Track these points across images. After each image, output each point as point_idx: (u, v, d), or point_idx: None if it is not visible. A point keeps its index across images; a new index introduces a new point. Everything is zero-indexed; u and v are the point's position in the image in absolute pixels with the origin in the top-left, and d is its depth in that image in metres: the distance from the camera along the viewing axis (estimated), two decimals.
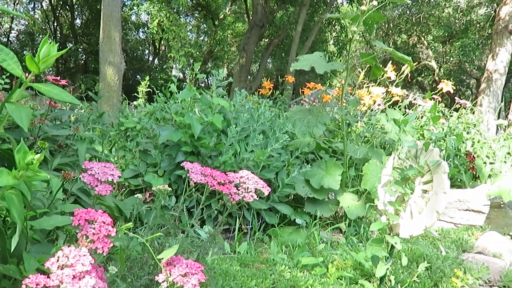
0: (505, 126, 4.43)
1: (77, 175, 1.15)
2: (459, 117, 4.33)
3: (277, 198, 2.46)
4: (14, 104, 0.79)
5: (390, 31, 17.90)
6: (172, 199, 2.26)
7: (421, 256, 2.00)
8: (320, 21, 14.14)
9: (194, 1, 16.69)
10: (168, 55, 14.47)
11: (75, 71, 19.84)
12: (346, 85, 2.70)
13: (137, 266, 1.26)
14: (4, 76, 2.52)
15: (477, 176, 3.63)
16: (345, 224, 2.53)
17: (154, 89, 3.63)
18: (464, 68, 17.00)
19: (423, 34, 17.23)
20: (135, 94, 4.83)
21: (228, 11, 18.43)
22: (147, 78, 5.04)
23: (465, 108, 4.37)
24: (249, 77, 15.18)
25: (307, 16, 13.91)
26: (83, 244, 0.71)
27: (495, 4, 12.20)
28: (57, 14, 19.74)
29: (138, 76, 20.48)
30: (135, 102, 4.83)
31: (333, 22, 16.12)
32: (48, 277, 0.59)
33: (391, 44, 17.42)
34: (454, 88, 3.90)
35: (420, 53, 17.23)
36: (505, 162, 3.78)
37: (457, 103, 4.39)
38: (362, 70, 3.70)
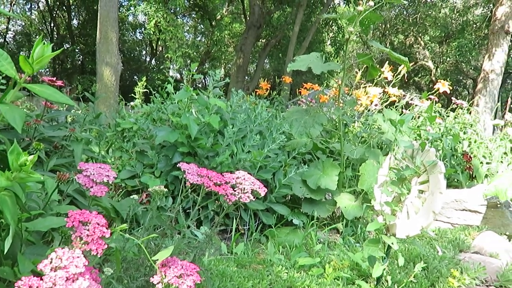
0: (502, 126, 4.44)
1: (72, 176, 1.14)
2: (455, 117, 4.34)
3: (274, 198, 2.46)
4: (7, 105, 0.78)
5: (387, 32, 17.94)
6: (169, 200, 2.25)
7: (418, 256, 2.00)
8: (317, 22, 14.17)
9: (191, 2, 16.68)
10: (165, 56, 14.45)
11: (72, 71, 19.79)
12: (343, 86, 2.70)
13: (133, 267, 1.25)
14: (0, 77, 2.51)
15: (473, 176, 3.64)
16: (342, 224, 2.53)
17: (151, 89, 3.62)
18: (461, 68, 17.06)
19: (420, 35, 17.28)
20: (132, 94, 4.82)
21: (225, 12, 18.43)
22: (144, 78, 5.03)
23: (461, 108, 4.38)
24: (246, 77, 15.18)
25: (304, 17, 13.93)
26: (77, 245, 0.70)
27: (491, 5, 12.26)
28: (54, 15, 19.69)
29: (135, 77, 20.47)
30: (132, 103, 4.81)
31: (330, 23, 16.15)
32: (41, 279, 0.59)
33: (388, 44, 17.46)
34: (451, 88, 3.91)
35: (417, 53, 17.28)
36: (501, 162, 3.79)
37: (453, 103, 4.40)
38: (359, 70, 3.70)
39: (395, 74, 3.64)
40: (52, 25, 20.07)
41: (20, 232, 0.99)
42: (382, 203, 1.52)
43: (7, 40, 20.24)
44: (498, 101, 8.83)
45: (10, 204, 0.72)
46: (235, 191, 1.20)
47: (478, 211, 2.79)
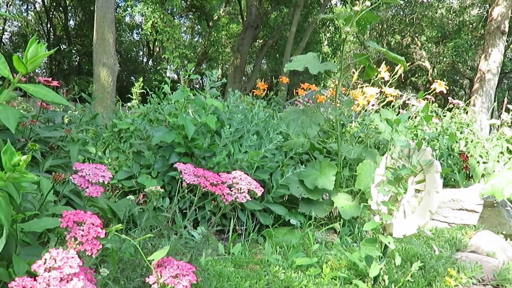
0: (498, 126, 4.46)
1: (68, 177, 1.13)
2: (452, 117, 4.35)
3: (272, 199, 2.46)
4: (1, 105, 0.78)
5: (384, 32, 17.99)
6: (166, 201, 2.25)
7: (415, 255, 2.00)
8: (314, 22, 14.19)
9: (188, 2, 16.67)
10: (162, 57, 14.44)
11: (69, 72, 19.74)
12: (340, 86, 2.70)
13: (130, 268, 1.24)
14: None
15: (470, 175, 3.65)
16: (339, 224, 2.53)
17: (148, 90, 3.62)
18: (457, 69, 17.12)
19: (417, 35, 17.33)
20: (129, 95, 4.81)
21: (222, 12, 18.43)
22: (141, 79, 5.03)
23: (458, 108, 4.39)
24: (243, 78, 15.18)
25: (301, 17, 13.95)
26: (71, 246, 0.70)
27: (487, 5, 12.30)
28: (51, 16, 19.64)
29: (132, 78, 20.44)
30: (129, 104, 4.81)
31: (327, 23, 16.18)
32: (35, 279, 0.58)
33: (385, 44, 17.50)
34: (448, 88, 3.92)
35: (414, 53, 17.33)
36: (498, 161, 3.80)
37: (450, 103, 4.41)
38: (356, 70, 3.71)
39: (392, 74, 3.64)
40: (48, 26, 20.02)
41: (15, 233, 0.98)
42: (379, 203, 1.52)
43: (3, 41, 20.18)
44: (494, 101, 8.85)
45: (4, 205, 0.71)
46: (231, 191, 1.20)
47: (475, 210, 2.79)
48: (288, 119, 2.69)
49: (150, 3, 11.93)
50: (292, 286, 1.63)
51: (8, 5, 18.75)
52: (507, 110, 4.34)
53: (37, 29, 20.67)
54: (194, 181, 1.16)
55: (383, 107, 3.85)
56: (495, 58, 9.29)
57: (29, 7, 20.74)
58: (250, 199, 1.19)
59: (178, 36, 12.54)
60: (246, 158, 2.36)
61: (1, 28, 20.00)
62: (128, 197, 1.38)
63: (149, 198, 1.24)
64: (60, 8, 19.51)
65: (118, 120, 3.16)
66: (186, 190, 1.24)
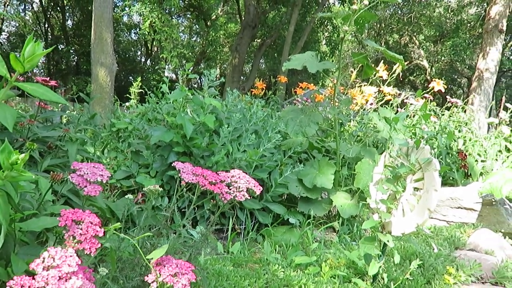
0: (496, 124, 4.47)
1: (66, 176, 1.13)
2: (450, 116, 4.36)
3: (270, 197, 2.46)
4: None
5: (382, 31, 18.00)
6: (164, 200, 2.24)
7: (413, 253, 2.00)
8: (312, 21, 14.19)
9: (186, 2, 16.66)
10: (160, 56, 14.43)
11: (67, 72, 19.70)
12: (338, 85, 2.70)
13: (129, 267, 1.24)
14: None
15: (469, 174, 3.66)
16: (338, 223, 2.54)
17: (146, 90, 3.61)
18: (456, 67, 17.14)
19: (415, 34, 17.35)
20: (128, 95, 4.81)
21: (220, 12, 18.42)
22: (139, 79, 5.02)
23: (456, 107, 4.40)
24: (242, 77, 15.18)
25: (299, 16, 13.95)
26: (70, 245, 0.70)
27: (485, 4, 12.32)
28: (48, 16, 19.60)
29: (130, 77, 20.41)
30: (127, 103, 4.80)
31: (325, 22, 16.19)
32: (33, 278, 0.58)
33: (383, 43, 17.52)
34: (446, 87, 3.93)
35: (412, 52, 17.35)
36: (496, 160, 3.81)
37: (448, 102, 4.42)
38: (354, 69, 3.71)
39: (390, 73, 3.65)
40: (46, 25, 19.98)
41: (13, 232, 0.98)
42: (377, 201, 1.52)
43: (1, 41, 20.15)
44: (492, 100, 8.88)
45: (2, 204, 0.71)
46: (230, 189, 1.19)
47: (473, 208, 2.80)
48: (287, 118, 2.69)
49: (148, 3, 11.92)
50: (291, 285, 1.63)
51: (6, 5, 18.71)
52: (505, 109, 4.35)
53: (34, 29, 20.63)
54: (192, 180, 1.16)
55: (381, 106, 3.85)
56: (493, 56, 9.30)
57: (27, 7, 20.69)
58: (249, 198, 1.19)
59: (176, 35, 12.53)
60: (244, 157, 2.36)
61: None
62: (126, 197, 1.38)
63: (148, 197, 1.24)
64: (58, 8, 19.47)
65: (117, 120, 3.15)
66: (184, 189, 1.24)
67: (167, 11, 14.01)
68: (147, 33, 12.67)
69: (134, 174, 2.39)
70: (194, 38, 22.43)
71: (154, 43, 19.28)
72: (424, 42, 17.98)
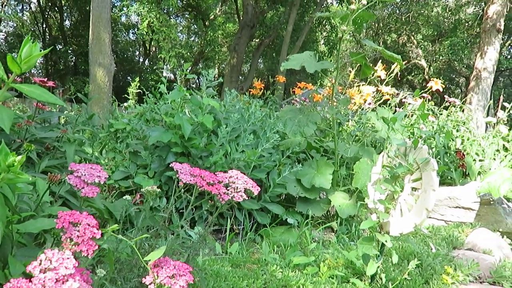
0: (494, 124, 4.47)
1: (64, 177, 1.13)
2: (448, 115, 4.36)
3: (269, 198, 2.46)
4: None
5: (380, 30, 18.02)
6: (163, 201, 2.24)
7: (412, 253, 2.00)
8: (311, 21, 14.20)
9: (184, 2, 16.64)
10: (159, 56, 14.41)
11: (65, 73, 19.67)
12: (337, 84, 2.71)
13: (127, 268, 1.24)
14: None
15: (467, 173, 3.66)
16: (336, 223, 2.54)
17: (145, 90, 3.61)
18: (454, 67, 17.17)
19: (413, 33, 17.37)
20: (126, 95, 4.80)
21: (219, 12, 18.41)
22: (137, 79, 5.02)
23: (454, 106, 4.41)
24: (240, 77, 15.17)
25: (298, 16, 13.96)
26: (67, 247, 0.69)
27: (483, 3, 12.35)
28: (46, 16, 19.56)
29: (128, 78, 20.39)
30: (125, 104, 4.80)
31: (324, 22, 16.20)
32: (30, 281, 0.58)
33: (381, 43, 17.53)
34: (444, 86, 3.93)
35: (410, 52, 17.37)
36: (494, 159, 3.81)
37: (446, 101, 4.42)
38: (352, 69, 3.71)
39: (388, 73, 3.65)
40: (44, 26, 19.94)
41: (10, 234, 0.98)
42: (375, 201, 1.52)
43: None
44: (490, 99, 8.90)
45: None
46: (228, 190, 1.19)
47: (471, 208, 2.80)
48: (285, 118, 2.69)
49: (146, 3, 11.91)
50: (289, 285, 1.63)
51: (3, 5, 18.66)
52: (503, 108, 4.36)
53: (32, 29, 20.59)
54: (190, 180, 1.16)
55: (379, 105, 3.86)
56: (491, 56, 9.32)
57: (24, 7, 20.65)
58: (247, 198, 1.19)
59: (174, 35, 12.52)
60: (243, 158, 2.36)
61: None
62: (124, 198, 1.38)
63: (146, 198, 1.24)
64: (56, 8, 19.43)
65: (115, 120, 3.15)
66: (182, 190, 1.24)
67: (165, 11, 14.01)
68: (145, 33, 12.65)
69: (132, 175, 2.39)
70: (192, 38, 22.42)
71: (152, 43, 19.27)
72: (422, 41, 18.01)
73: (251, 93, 4.09)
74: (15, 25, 20.72)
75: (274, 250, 2.09)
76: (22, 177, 0.72)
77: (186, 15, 19.60)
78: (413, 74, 19.81)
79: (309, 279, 1.68)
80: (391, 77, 3.69)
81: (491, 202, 2.72)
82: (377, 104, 3.87)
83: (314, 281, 1.67)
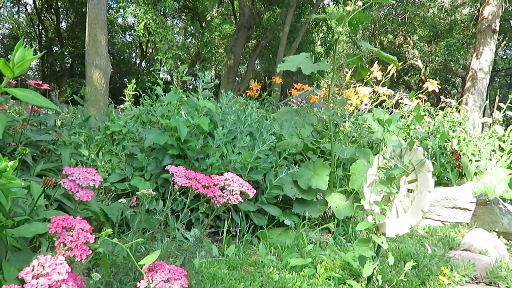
0: (490, 124, 4.49)
1: (59, 181, 1.12)
2: (445, 116, 4.38)
3: (266, 199, 2.46)
4: None
5: (377, 31, 18.07)
6: (159, 203, 2.24)
7: (408, 254, 2.01)
8: (307, 22, 14.23)
9: (180, 3, 16.64)
10: (155, 58, 14.40)
11: (61, 74, 19.62)
12: (333, 86, 2.71)
13: (123, 271, 1.24)
14: None
15: (463, 174, 3.67)
16: (333, 224, 2.54)
17: (141, 92, 3.60)
18: (450, 67, 17.23)
19: (409, 34, 17.43)
20: (122, 97, 4.79)
21: (215, 13, 18.41)
22: (134, 81, 5.01)
23: (450, 107, 4.42)
24: (237, 78, 15.18)
25: (294, 17, 13.97)
26: (60, 252, 0.69)
27: (478, 4, 12.40)
28: (42, 18, 19.51)
29: (125, 79, 20.37)
30: (122, 106, 4.79)
31: (320, 23, 16.24)
32: (23, 287, 0.58)
33: (377, 44, 17.58)
34: (440, 87, 3.95)
35: (406, 52, 17.43)
36: (490, 159, 3.83)
37: (442, 102, 4.44)
38: (349, 70, 3.72)
39: (385, 74, 3.66)
40: (40, 28, 19.89)
41: (5, 239, 0.97)
42: (371, 203, 1.52)
43: None
44: (486, 99, 8.94)
45: None
46: (223, 193, 1.19)
47: (467, 208, 2.81)
48: (282, 119, 2.69)
49: (142, 4, 11.90)
50: (286, 287, 1.63)
51: None
52: (499, 108, 4.37)
53: (28, 31, 20.53)
54: (185, 183, 1.15)
55: (376, 106, 3.86)
56: (487, 56, 9.36)
57: (21, 9, 20.59)
58: (242, 201, 1.19)
59: (171, 37, 12.51)
60: (239, 159, 2.36)
61: None
62: (120, 201, 1.37)
63: (141, 201, 1.24)
64: (52, 10, 19.39)
65: (111, 123, 3.14)
66: (178, 192, 1.23)
67: (161, 13, 13.99)
68: (141, 35, 12.64)
69: (128, 177, 2.38)
70: (189, 40, 22.41)
71: (149, 44, 19.23)
72: (418, 42, 18.08)
73: (247, 94, 4.09)
74: (11, 27, 20.66)
75: (271, 252, 2.09)
76: (15, 182, 0.72)
77: (183, 17, 19.60)
78: (409, 74, 19.88)
79: (306, 281, 1.68)
80: (387, 78, 3.70)
81: (487, 203, 2.73)
82: (373, 105, 3.88)
83: (311, 283, 1.67)
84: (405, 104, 4.21)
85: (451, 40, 15.00)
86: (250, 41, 17.09)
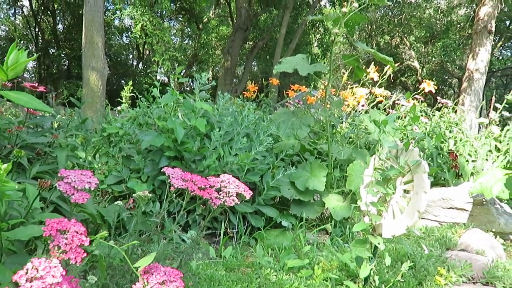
0: (487, 124, 4.51)
1: (55, 183, 1.12)
2: (441, 116, 4.39)
3: (263, 201, 2.45)
4: None
5: (373, 32, 18.13)
6: (156, 205, 2.23)
7: (405, 255, 2.01)
8: (304, 24, 14.26)
9: (177, 5, 16.64)
10: (152, 59, 14.39)
11: (58, 76, 19.58)
12: (330, 87, 2.71)
13: (119, 274, 1.23)
14: None
15: (460, 174, 3.68)
16: (331, 225, 2.54)
17: (138, 94, 3.60)
18: (446, 68, 17.30)
19: (405, 35, 17.49)
20: (119, 99, 4.78)
21: (212, 15, 18.42)
22: (131, 82, 5.00)
23: (447, 108, 4.44)
24: (234, 80, 15.19)
25: (291, 19, 14.01)
26: (54, 255, 0.69)
27: (474, 5, 12.46)
28: (39, 20, 19.47)
29: (122, 81, 20.34)
30: (118, 107, 4.78)
31: (317, 24, 16.28)
32: None
33: (374, 45, 17.64)
34: (437, 87, 3.96)
35: (403, 53, 17.49)
36: (486, 159, 3.84)
37: (439, 103, 4.46)
38: (346, 71, 3.73)
39: (381, 75, 3.67)
40: (37, 30, 19.84)
41: (0, 242, 0.97)
42: (368, 204, 1.52)
43: None
44: (483, 100, 8.97)
45: None
46: (220, 194, 1.19)
47: (464, 208, 2.82)
48: (278, 121, 2.69)
49: (139, 6, 11.89)
50: None
51: None
52: (495, 109, 4.39)
53: (25, 33, 20.49)
54: (182, 185, 1.15)
55: (373, 107, 3.87)
56: (483, 57, 9.40)
57: (17, 11, 20.55)
58: (238, 203, 1.19)
59: (168, 38, 12.51)
60: (236, 161, 2.36)
61: None
62: (116, 203, 1.37)
63: (138, 203, 1.24)
64: (48, 12, 19.36)
65: (108, 125, 3.13)
66: (174, 194, 1.23)
67: (158, 14, 13.99)
68: (138, 37, 12.63)
69: (125, 179, 2.38)
70: (186, 41, 22.42)
71: (146, 46, 19.23)
72: (415, 43, 18.15)
73: (245, 95, 4.09)
74: (7, 29, 20.61)
75: (268, 253, 2.08)
76: (9, 185, 0.71)
77: (180, 18, 19.61)
78: (406, 75, 19.94)
79: (303, 282, 1.67)
80: (384, 79, 3.71)
81: (484, 203, 2.73)
82: (370, 106, 3.89)
83: (308, 284, 1.67)
84: (402, 105, 4.22)
85: (447, 41, 15.08)
86: (247, 42, 17.10)
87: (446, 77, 19.51)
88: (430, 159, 3.62)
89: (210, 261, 1.91)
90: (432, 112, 4.44)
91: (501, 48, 18.63)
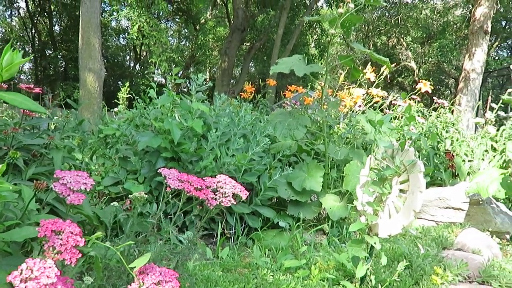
0: (483, 124, 4.52)
1: (51, 185, 1.12)
2: (438, 117, 4.41)
3: (260, 201, 2.46)
4: None
5: (370, 33, 18.18)
6: (153, 206, 2.23)
7: (401, 255, 2.01)
8: (301, 24, 14.28)
9: (174, 6, 16.64)
10: (150, 61, 14.38)
11: (55, 78, 19.53)
12: (326, 87, 2.72)
13: (115, 275, 1.23)
14: None
15: (456, 174, 3.70)
16: (328, 225, 2.54)
17: (135, 95, 3.59)
18: (443, 68, 17.36)
19: (402, 36, 17.55)
20: (116, 100, 4.77)
21: (209, 16, 18.43)
22: (127, 84, 4.99)
23: (443, 108, 4.45)
24: (231, 81, 15.19)
25: (288, 20, 14.03)
26: (49, 255, 0.69)
27: (470, 5, 12.51)
28: (35, 21, 19.42)
29: (119, 82, 20.32)
30: (115, 109, 4.77)
31: (314, 25, 16.31)
32: None
33: (371, 46, 17.68)
34: (433, 88, 3.98)
35: (400, 54, 17.54)
36: (483, 159, 3.85)
37: (435, 103, 4.47)
38: (342, 72, 3.74)
39: (378, 75, 3.68)
40: (33, 31, 19.80)
41: None
42: (364, 203, 1.53)
43: None
44: (479, 100, 9.00)
45: None
46: (216, 195, 1.19)
47: (461, 208, 2.83)
48: (275, 121, 2.70)
49: (136, 7, 11.88)
50: None
51: None
52: (491, 109, 4.41)
53: (21, 34, 20.43)
54: (178, 186, 1.15)
55: (370, 108, 3.88)
56: (479, 57, 9.44)
57: (13, 12, 20.50)
58: (235, 203, 1.19)
59: (165, 40, 12.50)
60: (233, 162, 2.36)
61: None
62: (112, 204, 1.37)
63: (134, 204, 1.23)
64: (45, 14, 19.32)
65: (104, 126, 3.13)
66: (170, 195, 1.23)
67: (155, 16, 13.99)
68: (135, 38, 12.62)
69: (122, 181, 2.38)
70: (183, 42, 22.42)
71: (143, 47, 19.20)
72: (412, 43, 18.21)
73: (242, 96, 4.09)
74: (3, 30, 20.55)
75: (265, 254, 2.09)
76: (3, 186, 0.71)
77: (177, 19, 19.60)
78: (403, 76, 20.00)
79: (300, 282, 1.68)
80: (381, 79, 3.72)
81: (480, 202, 2.74)
82: (367, 107, 3.90)
83: (305, 284, 1.67)
84: (399, 105, 4.23)
85: (444, 41, 15.13)
86: (244, 43, 17.12)
87: (443, 78, 19.58)
88: (426, 159, 3.63)
89: (207, 261, 1.91)
90: (429, 112, 4.45)
91: (497, 48, 18.72)
